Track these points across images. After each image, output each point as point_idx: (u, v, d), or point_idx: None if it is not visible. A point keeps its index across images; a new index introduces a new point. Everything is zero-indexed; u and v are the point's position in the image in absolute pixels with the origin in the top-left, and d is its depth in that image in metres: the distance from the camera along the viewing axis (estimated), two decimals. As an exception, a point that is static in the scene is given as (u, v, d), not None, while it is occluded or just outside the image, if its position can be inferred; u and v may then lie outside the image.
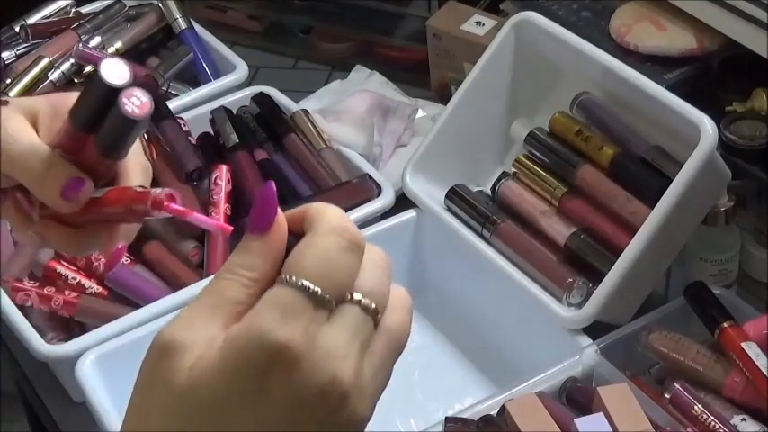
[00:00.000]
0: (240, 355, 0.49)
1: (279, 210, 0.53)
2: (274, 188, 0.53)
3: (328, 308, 0.51)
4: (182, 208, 0.63)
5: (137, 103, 0.63)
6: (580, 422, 0.94)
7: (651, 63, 1.26)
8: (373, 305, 0.51)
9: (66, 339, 1.12)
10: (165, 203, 0.64)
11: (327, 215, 0.53)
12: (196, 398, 0.49)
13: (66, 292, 1.15)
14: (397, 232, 1.24)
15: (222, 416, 0.49)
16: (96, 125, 0.65)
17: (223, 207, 1.22)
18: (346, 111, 1.37)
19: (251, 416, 0.49)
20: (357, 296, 0.51)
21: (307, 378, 0.49)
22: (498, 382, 1.15)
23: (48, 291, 1.15)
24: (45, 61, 1.42)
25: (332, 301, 0.51)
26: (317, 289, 0.50)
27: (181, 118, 1.33)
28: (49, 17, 1.53)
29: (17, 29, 1.50)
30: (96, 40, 1.46)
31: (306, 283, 0.50)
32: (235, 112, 1.35)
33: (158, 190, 0.65)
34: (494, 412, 1.00)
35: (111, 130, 0.65)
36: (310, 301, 0.50)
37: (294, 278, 0.50)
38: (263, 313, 0.50)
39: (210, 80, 1.45)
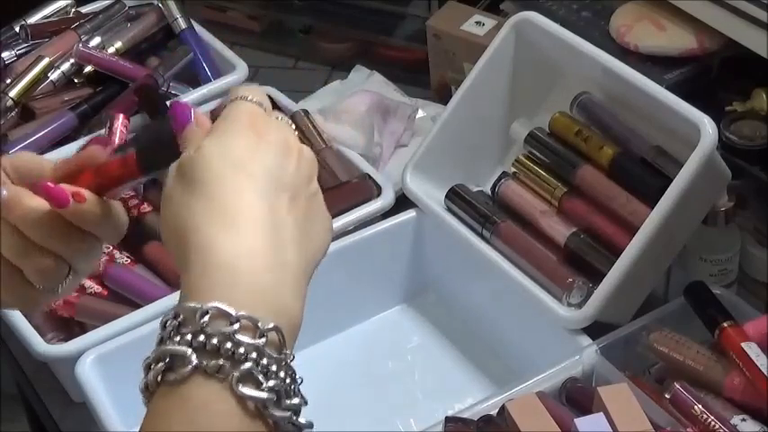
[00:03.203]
0: (232, 116, 0.64)
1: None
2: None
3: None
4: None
5: None
6: (580, 422, 0.94)
7: (651, 63, 1.26)
8: None
9: (66, 339, 1.12)
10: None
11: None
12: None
13: None
14: (397, 232, 1.24)
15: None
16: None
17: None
18: (346, 111, 1.37)
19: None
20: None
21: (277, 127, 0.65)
22: (498, 382, 1.15)
23: (48, 291, 1.14)
24: (45, 61, 1.42)
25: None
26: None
27: (181, 118, 1.33)
28: (49, 17, 1.53)
29: (17, 29, 1.50)
30: (96, 40, 1.46)
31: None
32: (235, 112, 1.35)
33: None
34: (494, 412, 1.00)
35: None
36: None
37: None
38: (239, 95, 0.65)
39: (210, 80, 1.45)
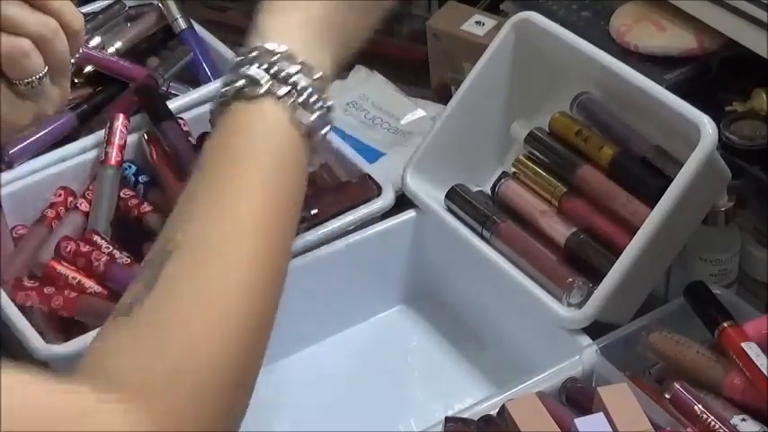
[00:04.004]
0: None
1: None
2: None
3: None
4: None
5: None
6: (580, 422, 0.94)
7: (651, 63, 1.26)
8: None
9: (66, 339, 1.12)
10: None
11: None
12: None
13: (66, 292, 1.14)
14: (397, 232, 1.24)
15: None
16: None
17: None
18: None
19: None
20: None
21: None
22: (498, 382, 1.15)
23: (48, 291, 1.14)
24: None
25: None
26: None
27: (181, 118, 1.33)
28: (49, 17, 1.53)
29: (17, 29, 1.50)
30: (96, 40, 1.46)
31: None
32: (235, 112, 1.35)
33: None
34: (494, 412, 1.00)
35: None
36: None
37: None
38: None
39: (210, 80, 1.45)
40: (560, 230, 1.16)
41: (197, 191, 0.70)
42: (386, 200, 1.23)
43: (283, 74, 0.72)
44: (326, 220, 1.20)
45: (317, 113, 0.72)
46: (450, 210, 1.22)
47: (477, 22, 1.45)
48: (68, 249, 1.17)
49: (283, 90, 0.71)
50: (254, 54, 0.74)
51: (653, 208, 1.06)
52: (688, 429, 0.97)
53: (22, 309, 1.14)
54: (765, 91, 1.21)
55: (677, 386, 0.99)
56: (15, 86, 0.74)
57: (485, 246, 1.17)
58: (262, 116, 0.71)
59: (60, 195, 1.27)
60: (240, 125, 0.72)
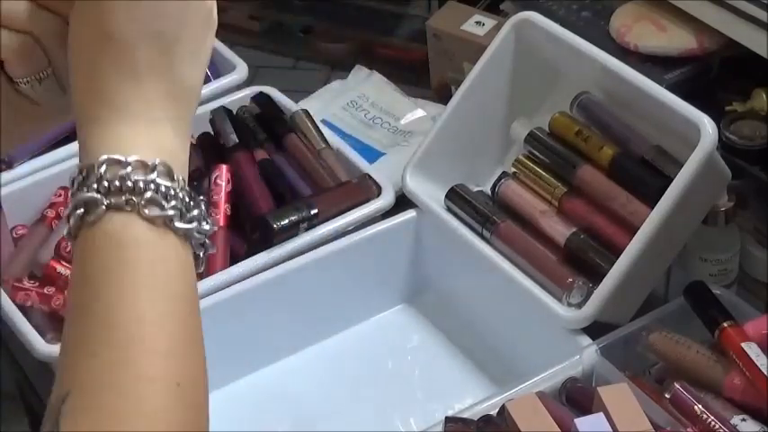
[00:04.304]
0: None
1: None
2: None
3: None
4: None
5: None
6: (580, 422, 0.94)
7: (651, 63, 1.26)
8: None
9: (66, 339, 1.12)
10: None
11: None
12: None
13: (66, 292, 1.14)
14: (397, 232, 1.24)
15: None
16: None
17: (223, 207, 1.22)
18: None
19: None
20: None
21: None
22: (498, 382, 1.15)
23: (48, 291, 1.15)
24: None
25: None
26: None
27: (181, 118, 1.33)
28: (49, 17, 1.52)
29: (17, 29, 1.50)
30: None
31: None
32: (235, 112, 1.35)
33: None
34: (494, 412, 1.00)
35: None
36: None
37: None
38: None
39: (210, 80, 1.45)
40: (560, 230, 1.16)
41: (86, 333, 0.63)
42: (386, 200, 1.23)
43: (116, 183, 0.65)
44: (326, 220, 1.20)
45: (172, 202, 0.65)
46: (450, 210, 1.22)
47: (477, 22, 1.45)
48: (68, 249, 1.17)
49: (122, 199, 0.64)
50: (82, 176, 0.65)
51: (653, 208, 1.06)
52: (688, 429, 0.97)
53: (22, 309, 1.14)
54: (765, 91, 1.21)
55: (677, 386, 0.99)
56: (16, 85, 0.74)
57: (485, 246, 1.17)
58: (110, 234, 0.64)
59: (60, 195, 1.27)
60: (94, 251, 0.65)
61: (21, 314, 1.13)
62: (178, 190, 0.66)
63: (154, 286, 0.64)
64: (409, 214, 1.24)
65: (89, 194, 0.65)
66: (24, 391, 1.29)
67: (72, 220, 0.65)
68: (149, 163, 0.65)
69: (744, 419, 0.99)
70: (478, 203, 1.20)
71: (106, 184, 0.65)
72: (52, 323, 1.16)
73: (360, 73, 1.52)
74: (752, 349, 1.00)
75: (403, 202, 1.25)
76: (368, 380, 1.20)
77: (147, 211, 0.64)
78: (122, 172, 0.65)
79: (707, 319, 1.05)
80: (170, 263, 0.66)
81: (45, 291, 1.15)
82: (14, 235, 1.25)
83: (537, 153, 1.20)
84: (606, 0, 1.34)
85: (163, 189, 0.65)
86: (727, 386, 1.01)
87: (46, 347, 1.10)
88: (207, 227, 0.68)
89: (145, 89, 0.68)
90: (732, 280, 1.17)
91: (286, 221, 1.18)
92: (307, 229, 1.19)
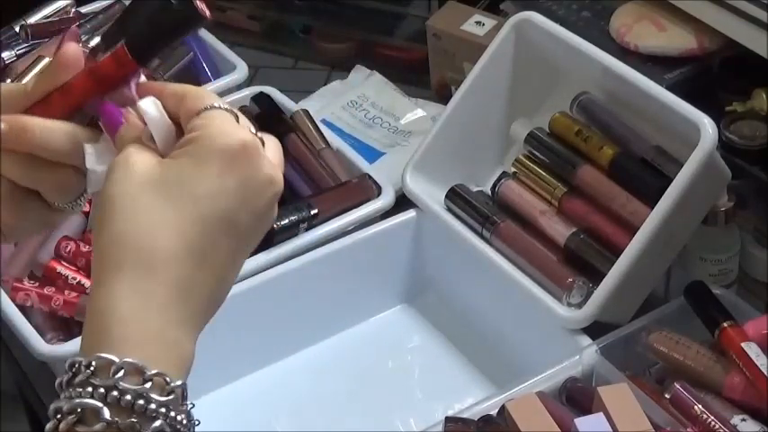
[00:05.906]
0: (210, 152, 0.61)
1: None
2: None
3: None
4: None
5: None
6: (580, 422, 0.94)
7: (651, 63, 1.26)
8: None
9: (66, 339, 1.12)
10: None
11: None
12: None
13: (66, 292, 1.14)
14: (397, 232, 1.24)
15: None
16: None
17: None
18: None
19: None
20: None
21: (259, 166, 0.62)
22: (498, 382, 1.15)
23: (48, 291, 1.14)
24: (45, 61, 1.41)
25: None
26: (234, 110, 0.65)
27: (181, 118, 1.33)
28: (49, 17, 1.52)
29: (17, 29, 1.50)
30: (96, 40, 1.46)
31: (222, 104, 0.66)
32: (235, 112, 1.35)
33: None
34: (494, 412, 1.00)
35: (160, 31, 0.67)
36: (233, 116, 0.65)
37: (213, 104, 0.66)
38: (215, 124, 0.63)
39: (210, 80, 1.45)
40: (560, 230, 1.16)
41: None
42: (386, 200, 1.23)
43: (128, 398, 0.57)
44: (326, 220, 1.20)
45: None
46: (450, 210, 1.22)
47: (477, 22, 1.45)
48: (68, 249, 1.17)
49: (129, 421, 0.56)
50: (90, 370, 0.58)
51: (653, 208, 1.06)
52: (688, 429, 0.97)
53: (22, 309, 1.14)
54: (765, 91, 1.21)
55: (677, 386, 0.99)
56: (49, 208, 0.70)
57: (485, 246, 1.17)
58: None
59: (60, 195, 1.27)
60: None
61: (21, 314, 1.13)
62: (187, 418, 0.58)
63: None
64: (409, 214, 1.24)
65: (92, 402, 0.56)
66: (24, 391, 1.29)
67: (63, 424, 0.57)
68: (169, 382, 0.57)
69: (744, 419, 0.99)
70: (478, 203, 1.20)
71: (116, 394, 0.56)
72: (52, 323, 1.16)
73: (360, 73, 1.53)
74: (752, 349, 1.00)
75: (403, 202, 1.25)
76: (368, 380, 1.20)
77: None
78: (140, 387, 0.56)
79: (707, 319, 1.05)
80: None
81: (45, 291, 1.14)
82: (14, 235, 1.25)
83: (537, 153, 1.21)
84: (606, 0, 1.34)
85: (173, 415, 0.57)
86: (727, 386, 1.01)
87: (46, 347, 1.10)
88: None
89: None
90: (732, 280, 1.17)
91: (286, 221, 1.18)
92: (306, 229, 1.19)
